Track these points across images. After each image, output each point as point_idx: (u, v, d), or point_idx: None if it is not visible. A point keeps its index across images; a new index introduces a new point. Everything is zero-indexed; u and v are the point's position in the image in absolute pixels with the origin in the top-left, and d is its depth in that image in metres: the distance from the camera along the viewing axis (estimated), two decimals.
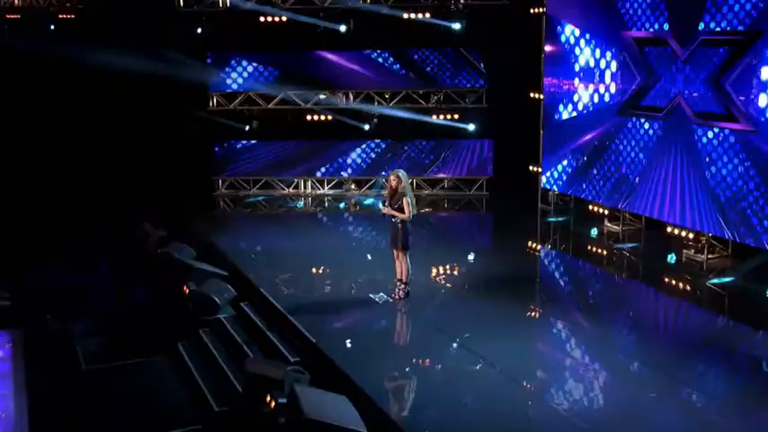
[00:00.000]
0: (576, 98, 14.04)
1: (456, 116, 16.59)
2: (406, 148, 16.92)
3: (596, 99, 13.57)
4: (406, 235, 9.72)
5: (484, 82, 16.46)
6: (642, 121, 12.54)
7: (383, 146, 16.95)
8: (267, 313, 10.07)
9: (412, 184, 14.53)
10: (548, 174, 14.90)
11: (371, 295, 10.07)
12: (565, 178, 14.59)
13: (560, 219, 14.50)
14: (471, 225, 15.73)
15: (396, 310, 9.86)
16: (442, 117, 16.53)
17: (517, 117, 15.76)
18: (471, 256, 12.18)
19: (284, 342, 9.05)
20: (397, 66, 16.54)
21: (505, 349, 8.47)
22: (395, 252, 9.88)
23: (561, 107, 14.38)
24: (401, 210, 9.57)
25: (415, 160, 16.88)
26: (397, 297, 9.90)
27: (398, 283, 9.98)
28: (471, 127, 16.59)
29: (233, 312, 10.29)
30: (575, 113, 14.05)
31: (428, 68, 16.54)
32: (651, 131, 12.42)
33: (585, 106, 13.84)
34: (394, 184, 9.62)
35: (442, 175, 16.77)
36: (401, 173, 9.63)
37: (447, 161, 16.80)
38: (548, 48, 14.35)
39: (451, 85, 16.55)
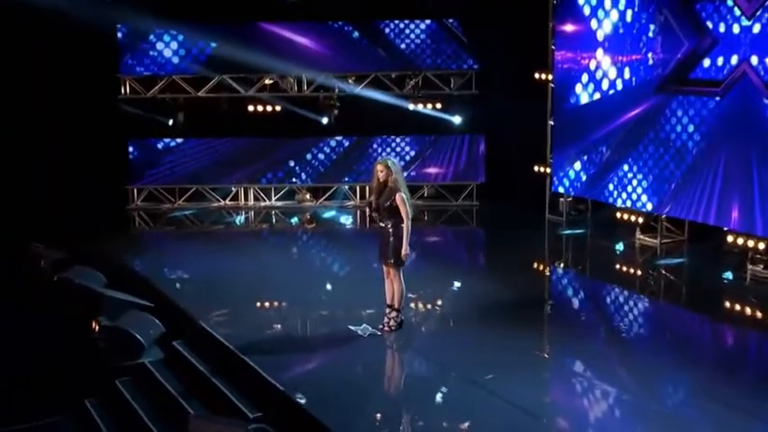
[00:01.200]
0: (599, 75, 13.49)
1: (438, 105, 16.16)
2: (375, 146, 16.42)
3: (627, 75, 13.01)
4: (401, 244, 8.86)
5: (473, 62, 15.99)
6: (692, 99, 12.00)
7: (346, 144, 16.46)
8: (211, 354, 9.13)
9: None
10: (560, 174, 14.44)
11: (352, 327, 9.32)
12: (584, 178, 14.06)
13: (576, 231, 14.16)
14: (459, 242, 14.95)
15: (386, 346, 9.11)
16: (420, 106, 16.06)
17: (517, 105, 15.18)
18: (468, 281, 11.48)
19: (238, 392, 8.22)
20: (365, 42, 16.03)
21: (533, 393, 7.85)
22: (384, 268, 9.12)
23: (579, 88, 13.86)
24: (392, 210, 8.82)
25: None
26: (386, 329, 9.17)
27: (388, 311, 9.21)
28: (458, 119, 16.23)
29: (162, 355, 9.52)
30: (597, 95, 13.51)
31: (402, 45, 16.04)
32: (705, 112, 11.86)
33: (612, 85, 13.28)
34: (382, 176, 8.85)
35: (421, 181, 16.30)
36: (390, 161, 8.93)
37: (427, 163, 16.36)
38: (559, 13, 13.93)
39: (432, 66, 16.03)
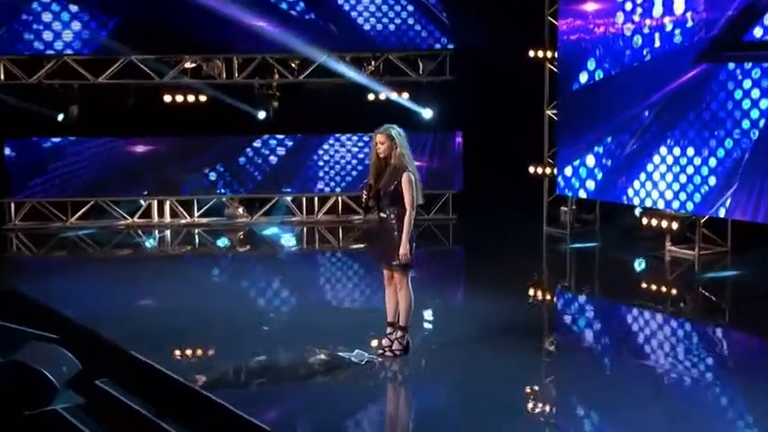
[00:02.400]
0: (619, 46, 13.15)
1: (405, 95, 15.89)
2: (325, 146, 16.19)
3: (658, 42, 12.68)
4: (409, 242, 8.50)
5: (448, 40, 15.72)
6: (747, 67, 11.69)
7: (289, 144, 16.16)
8: (155, 393, 8.09)
9: (337, 206, 15.91)
10: (566, 173, 14.16)
11: (342, 354, 8.81)
12: (599, 176, 13.74)
13: (587, 245, 14.04)
14: (435, 266, 13.84)
15: (390, 376, 8.66)
16: (383, 97, 15.78)
17: (504, 93, 15.10)
18: (463, 309, 11.19)
19: None
20: (312, 15, 15.63)
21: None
22: (386, 274, 8.74)
23: (591, 64, 13.58)
24: (398, 197, 8.50)
25: (339, 167, 16.15)
26: (388, 353, 8.72)
27: (390, 330, 8.76)
28: (428, 113, 15.91)
29: (80, 399, 8.39)
30: (617, 71, 13.21)
31: (360, 19, 15.65)
32: (767, 82, 11.53)
33: (636, 56, 12.94)
34: (383, 149, 8.52)
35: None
36: (395, 130, 8.60)
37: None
38: None
39: (397, 45, 15.73)
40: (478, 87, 15.37)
